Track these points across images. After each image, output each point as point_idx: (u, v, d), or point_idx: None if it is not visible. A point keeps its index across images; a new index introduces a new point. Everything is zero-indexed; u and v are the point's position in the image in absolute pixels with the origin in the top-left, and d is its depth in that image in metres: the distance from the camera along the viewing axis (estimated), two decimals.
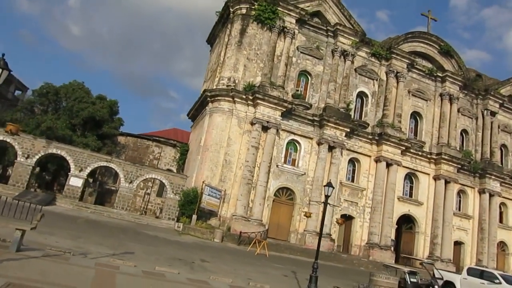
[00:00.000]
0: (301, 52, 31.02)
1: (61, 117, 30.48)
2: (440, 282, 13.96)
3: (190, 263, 11.94)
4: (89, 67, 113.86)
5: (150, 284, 7.73)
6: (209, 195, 25.54)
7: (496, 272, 16.84)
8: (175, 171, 33.33)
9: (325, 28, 31.67)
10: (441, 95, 35.02)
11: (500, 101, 37.23)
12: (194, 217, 24.73)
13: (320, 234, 11.51)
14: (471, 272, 17.03)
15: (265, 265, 16.12)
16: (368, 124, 32.06)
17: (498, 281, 15.61)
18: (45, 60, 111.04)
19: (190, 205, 25.07)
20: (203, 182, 25.59)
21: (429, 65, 35.35)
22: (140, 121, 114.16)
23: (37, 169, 29.92)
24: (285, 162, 29.24)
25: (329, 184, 11.75)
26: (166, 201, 26.51)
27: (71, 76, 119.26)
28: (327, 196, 12.29)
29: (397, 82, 33.31)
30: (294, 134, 29.63)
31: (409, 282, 13.07)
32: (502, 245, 36.07)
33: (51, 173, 31.57)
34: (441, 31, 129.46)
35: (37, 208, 8.39)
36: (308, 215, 24.72)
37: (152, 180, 31.75)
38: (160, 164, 34.77)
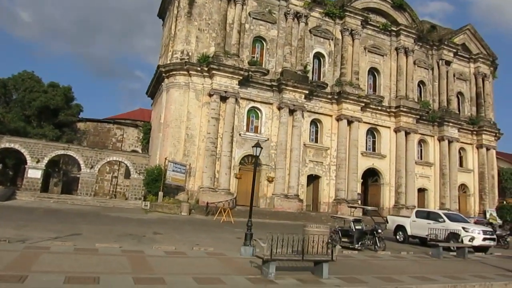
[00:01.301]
0: (254, 18, 30.58)
1: (13, 109, 29.45)
2: (384, 226, 14.84)
3: (140, 237, 12.19)
4: (45, 54, 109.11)
5: (74, 259, 7.88)
6: (173, 170, 25.64)
7: (440, 212, 18.01)
8: (140, 151, 33.12)
9: None
10: (396, 49, 35.51)
11: (454, 50, 38.11)
12: (160, 194, 24.92)
13: (252, 195, 11.80)
14: (419, 214, 18.14)
15: (225, 231, 16.59)
16: (327, 84, 32.40)
17: (442, 219, 16.73)
18: None
19: (155, 182, 25.18)
20: (165, 158, 25.62)
21: (383, 20, 35.58)
22: (107, 104, 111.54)
23: None
24: (247, 130, 29.44)
25: (257, 145, 12.04)
26: (130, 181, 26.53)
27: (27, 67, 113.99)
28: (256, 157, 12.60)
29: (353, 40, 33.49)
30: (254, 101, 29.69)
31: (354, 229, 13.83)
32: (463, 187, 38.03)
33: (12, 168, 30.82)
34: None
35: None
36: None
37: (118, 163, 31.50)
38: (124, 146, 34.43)
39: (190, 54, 28.47)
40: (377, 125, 34.03)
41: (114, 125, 35.58)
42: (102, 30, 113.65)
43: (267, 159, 29.38)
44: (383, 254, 13.42)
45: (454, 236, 15.36)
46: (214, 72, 27.49)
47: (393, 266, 10.94)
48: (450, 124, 36.16)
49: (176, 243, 11.20)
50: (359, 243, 13.59)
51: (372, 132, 34.38)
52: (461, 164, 38.14)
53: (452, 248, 14.78)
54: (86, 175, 24.96)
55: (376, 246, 13.86)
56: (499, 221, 32.65)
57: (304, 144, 30.64)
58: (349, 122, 31.85)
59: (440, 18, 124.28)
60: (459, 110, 38.79)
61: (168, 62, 29.20)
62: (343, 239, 14.13)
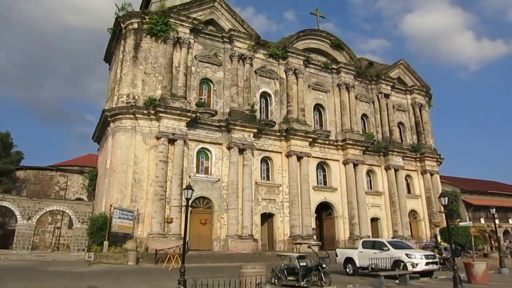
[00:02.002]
0: (200, 61, 31.19)
1: None
2: (328, 261, 14.90)
3: None
4: None
5: None
6: (119, 218, 24.56)
7: (384, 240, 18.50)
8: (86, 199, 31.62)
9: (220, 35, 32.19)
10: (338, 85, 37.37)
11: (391, 84, 40.73)
12: (106, 243, 23.63)
13: (184, 237, 11.58)
14: (365, 245, 18.48)
15: (169, 279, 15.84)
16: (275, 122, 33.16)
17: (386, 248, 17.15)
18: None
19: (100, 231, 23.92)
20: (111, 205, 24.57)
21: (324, 59, 37.59)
22: (57, 150, 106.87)
23: None
24: (197, 171, 29.13)
25: (188, 187, 11.97)
26: (73, 231, 25.05)
27: None
28: (187, 199, 12.50)
29: (297, 79, 34.91)
30: (203, 142, 29.65)
31: (298, 266, 13.77)
32: (413, 213, 39.33)
33: None
34: (345, 26, 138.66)
35: None
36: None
37: (62, 213, 29.76)
38: (68, 194, 32.75)
39: (136, 97, 28.27)
40: (326, 159, 34.95)
41: (57, 173, 33.90)
42: (51, 74, 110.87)
43: (219, 200, 29.03)
44: None
45: (398, 263, 15.69)
46: (161, 114, 27.36)
47: None
48: (395, 153, 37.87)
49: None
50: (305, 280, 13.49)
51: (322, 166, 35.19)
52: (409, 191, 39.69)
53: (397, 275, 15.04)
54: (23, 227, 23.27)
55: (322, 282, 13.80)
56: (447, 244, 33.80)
57: (256, 183, 30.67)
58: (299, 158, 32.46)
59: (380, 54, 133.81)
60: (401, 139, 40.87)
61: (114, 106, 28.76)
62: (289, 278, 13.99)
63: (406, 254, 16.43)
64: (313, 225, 32.32)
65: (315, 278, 13.90)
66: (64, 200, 26.97)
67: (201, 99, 30.67)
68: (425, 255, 16.88)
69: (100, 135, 33.04)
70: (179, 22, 29.96)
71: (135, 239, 25.66)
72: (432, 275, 17.03)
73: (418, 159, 40.44)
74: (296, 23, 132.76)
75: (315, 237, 31.95)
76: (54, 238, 30.56)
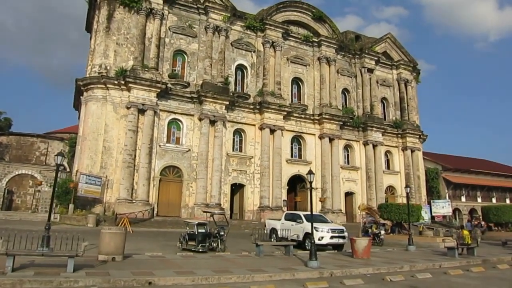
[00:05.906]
0: (174, 32, 31.39)
1: None
2: (227, 229, 15.78)
3: None
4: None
5: None
6: (86, 183, 25.80)
7: (301, 213, 19.11)
8: (66, 165, 33.03)
9: (195, 6, 32.15)
10: (319, 59, 37.08)
11: (376, 58, 40.07)
12: (71, 206, 25.05)
13: (51, 204, 12.36)
14: (287, 216, 19.28)
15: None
16: (250, 95, 33.44)
17: (300, 220, 17.85)
18: None
19: (66, 195, 25.32)
20: (77, 171, 25.79)
21: (305, 32, 37.16)
22: (65, 117, 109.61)
23: None
24: (168, 141, 29.96)
25: (60, 154, 12.73)
26: (41, 194, 26.50)
27: None
28: (58, 165, 13.32)
29: (274, 51, 34.79)
30: (175, 113, 30.33)
31: (196, 232, 14.70)
32: (391, 189, 39.61)
33: None
34: None
35: None
36: None
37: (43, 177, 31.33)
38: (49, 160, 34.25)
39: (108, 68, 28.89)
40: (302, 132, 35.25)
41: (38, 139, 35.33)
42: (60, 38, 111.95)
43: (188, 169, 29.96)
44: (222, 254, 14.39)
45: (309, 235, 16.23)
46: (131, 85, 28.02)
47: (186, 263, 11.75)
48: (374, 128, 37.81)
49: None
50: (200, 245, 14.43)
51: (298, 139, 35.55)
52: (388, 167, 39.84)
53: (306, 246, 15.85)
54: None
55: (218, 248, 14.80)
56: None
57: (227, 154, 31.38)
58: (272, 131, 32.86)
59: (396, 23, 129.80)
60: (384, 115, 40.65)
61: (87, 75, 29.54)
62: (190, 242, 14.96)
63: (315, 228, 16.80)
64: (284, 197, 33.09)
65: (214, 244, 14.87)
66: (33, 164, 28.34)
67: (175, 70, 31.10)
68: (331, 229, 17.35)
69: (77, 103, 34.06)
70: None
71: (104, 204, 27.04)
72: (341, 249, 17.47)
73: (399, 135, 40.27)
74: None
75: (285, 208, 32.76)
76: (35, 200, 32.28)
